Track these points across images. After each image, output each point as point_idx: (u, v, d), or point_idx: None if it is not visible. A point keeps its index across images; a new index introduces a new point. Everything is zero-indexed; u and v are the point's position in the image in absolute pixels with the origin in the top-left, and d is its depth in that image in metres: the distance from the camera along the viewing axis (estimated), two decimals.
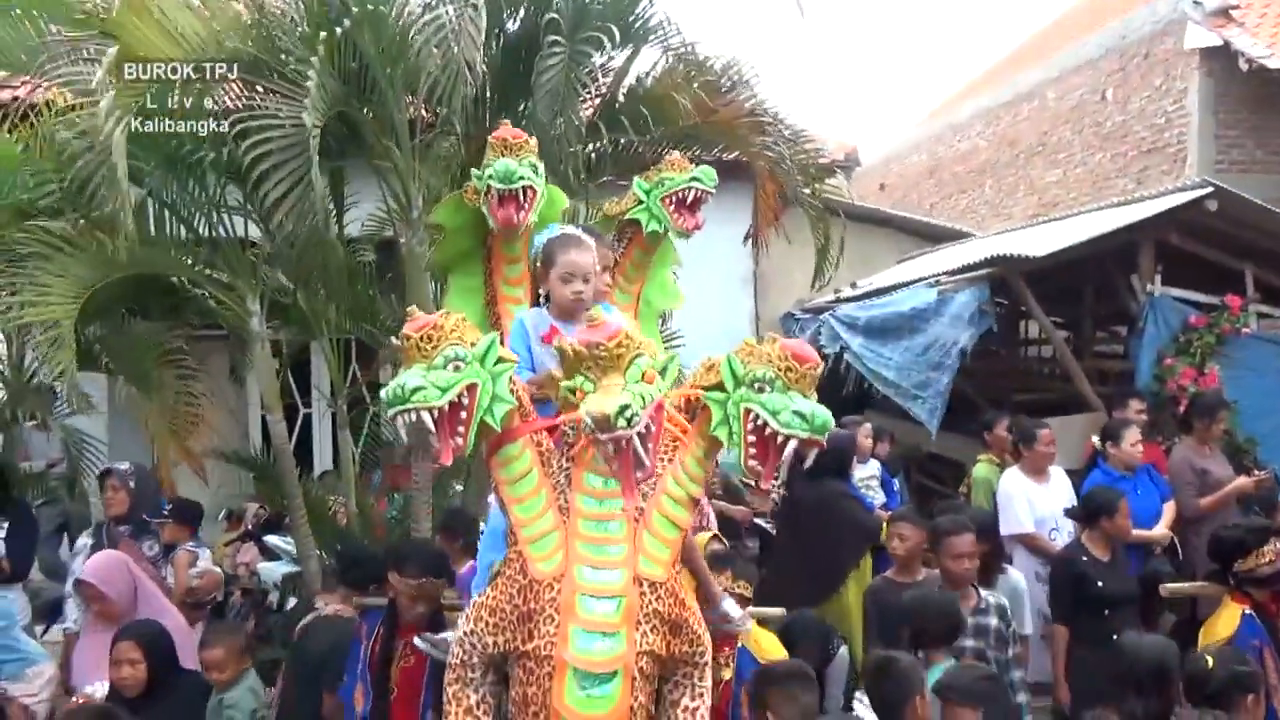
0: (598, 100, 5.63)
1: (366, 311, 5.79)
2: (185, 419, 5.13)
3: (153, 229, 5.07)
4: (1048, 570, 4.83)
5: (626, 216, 3.59)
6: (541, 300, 3.12)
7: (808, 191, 6.05)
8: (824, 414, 2.33)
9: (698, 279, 9.17)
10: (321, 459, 8.47)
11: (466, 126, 4.86)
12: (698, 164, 3.66)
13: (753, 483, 2.61)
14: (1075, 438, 6.26)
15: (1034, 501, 5.25)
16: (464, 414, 2.34)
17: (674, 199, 3.48)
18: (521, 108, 5.16)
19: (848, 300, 8.56)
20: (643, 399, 2.14)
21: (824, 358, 7.90)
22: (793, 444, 2.33)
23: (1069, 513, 4.98)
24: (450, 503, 5.60)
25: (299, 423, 8.54)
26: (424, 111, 5.06)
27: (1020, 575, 4.65)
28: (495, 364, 2.43)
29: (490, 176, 3.21)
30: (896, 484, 6.62)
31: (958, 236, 10.62)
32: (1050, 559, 4.91)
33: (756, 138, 5.71)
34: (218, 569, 5.72)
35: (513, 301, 3.49)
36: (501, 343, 3.06)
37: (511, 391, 2.46)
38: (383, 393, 2.31)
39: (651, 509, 2.52)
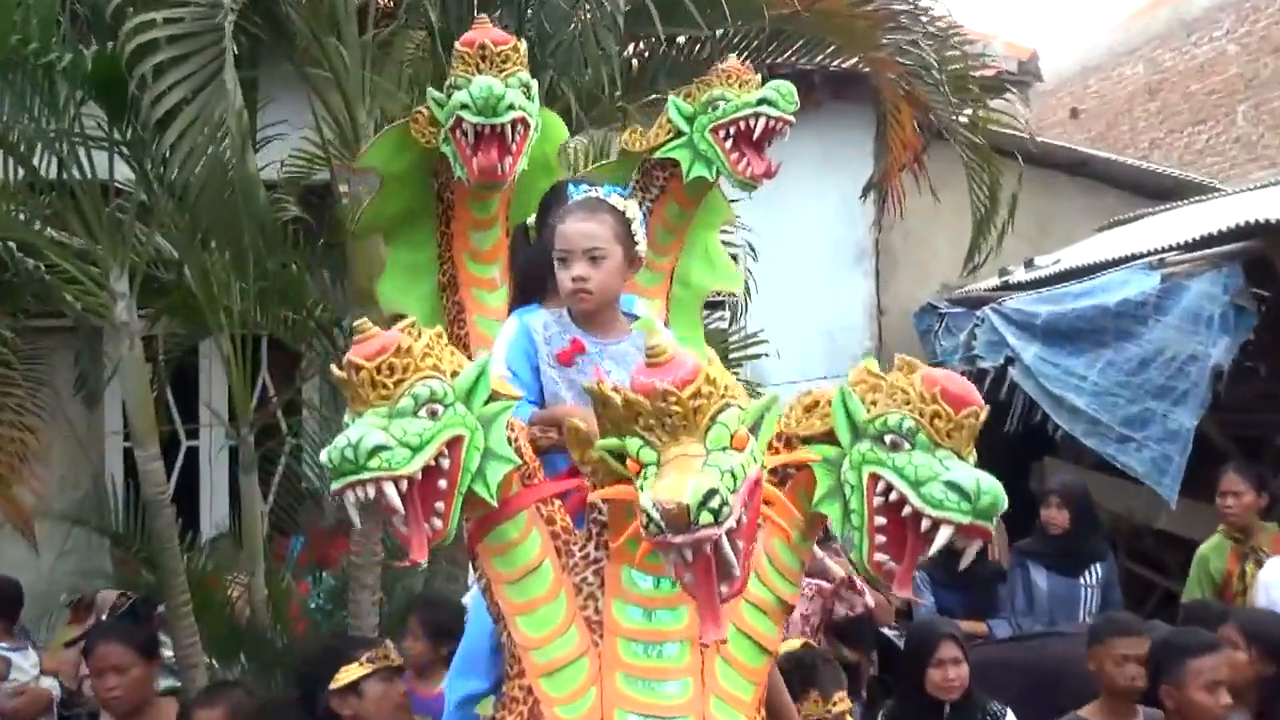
0: None
1: (286, 293, 5.86)
2: (9, 451, 5.21)
3: None
4: None
5: (657, 155, 3.61)
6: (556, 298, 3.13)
7: (963, 119, 6.04)
8: (993, 488, 2.29)
9: (790, 251, 9.28)
10: (214, 516, 8.55)
11: (443, 18, 4.93)
12: (783, 76, 3.66)
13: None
14: None
15: None
16: (443, 482, 2.34)
17: (731, 130, 3.48)
18: None
19: (1020, 287, 8.50)
20: (734, 478, 2.08)
21: (982, 373, 8.07)
22: (945, 532, 2.31)
23: None
24: (412, 585, 5.65)
25: (180, 460, 8.64)
26: None
27: None
28: (487, 403, 2.43)
29: (462, 104, 3.23)
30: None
31: (1193, 191, 10.51)
32: None
33: (884, 35, 5.73)
34: (49, 681, 5.79)
35: (483, 285, 3.55)
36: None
37: (512, 442, 2.47)
38: (324, 455, 2.25)
39: (726, 624, 2.48)
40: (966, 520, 2.28)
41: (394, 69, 5.21)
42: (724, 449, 2.14)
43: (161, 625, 5.74)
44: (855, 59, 6.08)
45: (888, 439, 2.37)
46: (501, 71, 3.28)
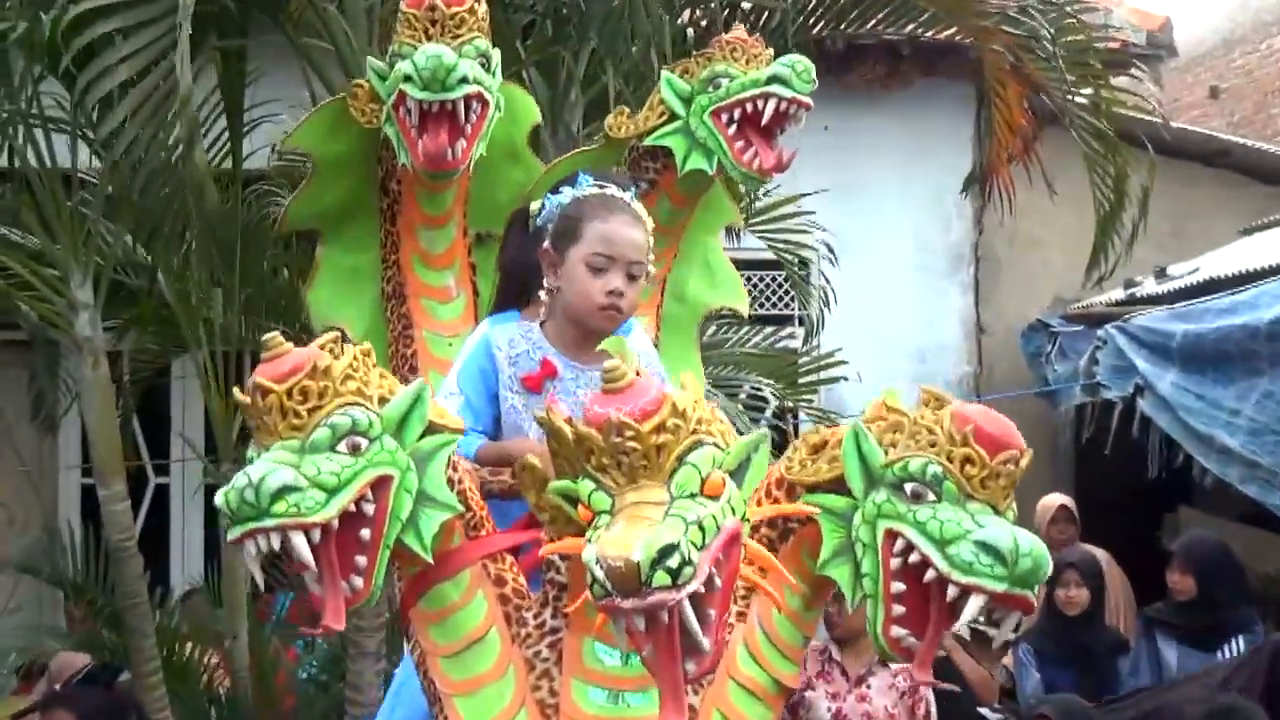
0: None
1: (276, 303, 5.88)
2: None
3: None
4: None
5: (647, 142, 3.59)
6: (542, 304, 3.06)
7: (1082, 100, 6.03)
8: (1035, 549, 2.24)
9: (874, 256, 9.24)
10: (188, 566, 8.61)
11: None
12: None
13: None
14: None
15: None
16: (365, 531, 2.29)
17: (735, 114, 3.47)
18: None
19: (1148, 301, 8.44)
20: (701, 531, 2.04)
21: (1108, 405, 8.00)
22: (976, 603, 2.25)
23: None
24: None
25: (147, 500, 8.70)
26: None
27: None
28: (423, 437, 2.39)
29: (405, 76, 3.23)
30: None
31: None
32: None
33: (987, 1, 5.74)
34: None
35: (435, 295, 3.54)
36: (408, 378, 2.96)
37: (453, 484, 2.45)
38: (218, 497, 2.20)
39: (709, 709, 2.50)
40: (1001, 588, 2.22)
41: None
42: (692, 496, 2.09)
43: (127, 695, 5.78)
44: (951, 30, 6.06)
45: (908, 488, 2.32)
46: (455, 38, 3.26)
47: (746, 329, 7.26)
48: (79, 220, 5.36)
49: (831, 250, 7.15)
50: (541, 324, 3.00)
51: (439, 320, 3.53)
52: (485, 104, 3.27)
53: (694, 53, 3.77)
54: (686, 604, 1.99)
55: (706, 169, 3.51)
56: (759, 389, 6.84)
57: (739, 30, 3.61)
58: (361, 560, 2.27)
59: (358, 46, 4.97)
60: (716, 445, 2.15)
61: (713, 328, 6.28)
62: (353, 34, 4.99)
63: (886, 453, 2.37)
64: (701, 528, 2.02)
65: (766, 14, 5.69)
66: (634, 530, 2.00)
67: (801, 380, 7.21)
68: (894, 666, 5.12)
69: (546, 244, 2.96)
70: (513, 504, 2.70)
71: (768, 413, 7.06)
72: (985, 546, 2.21)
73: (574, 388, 2.87)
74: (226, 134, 5.73)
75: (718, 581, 2.06)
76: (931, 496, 2.30)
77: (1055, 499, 7.47)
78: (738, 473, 2.19)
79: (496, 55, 3.38)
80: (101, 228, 5.47)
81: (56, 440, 8.26)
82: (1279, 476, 6.75)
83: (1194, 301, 7.83)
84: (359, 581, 2.27)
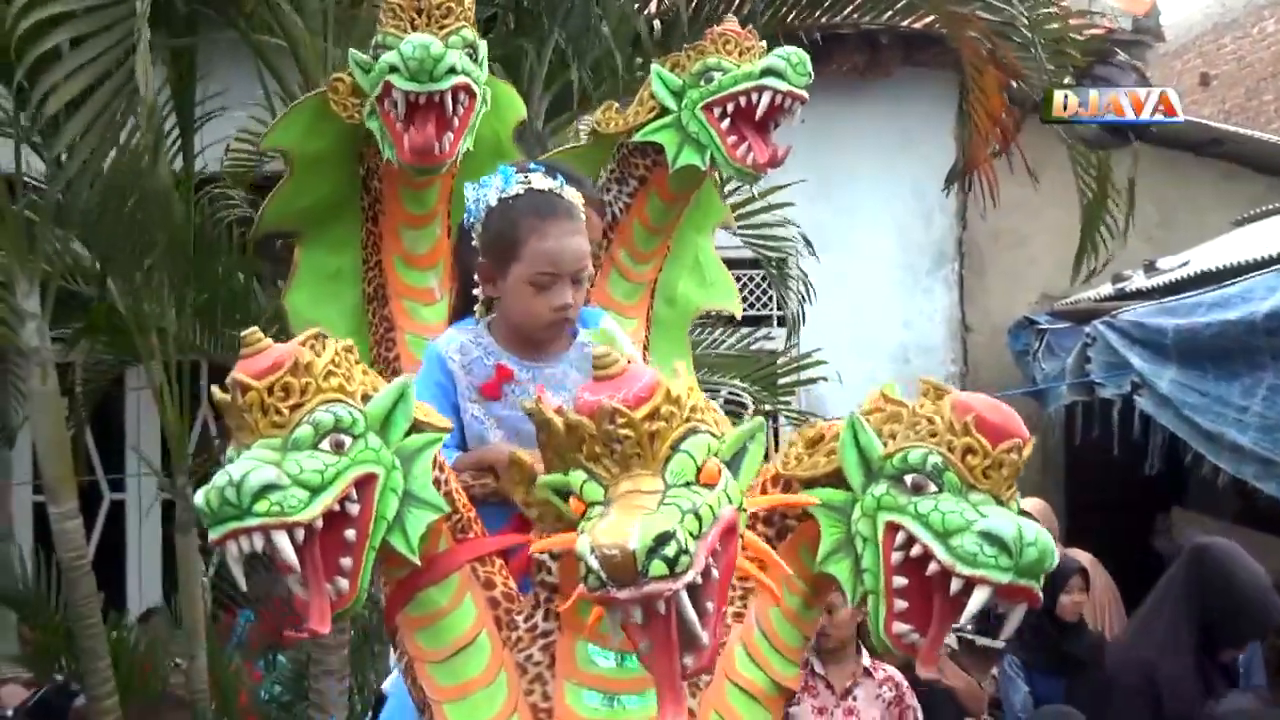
0: None
1: (232, 309, 5.88)
2: None
3: None
4: None
5: (637, 138, 3.60)
6: (480, 309, 3.04)
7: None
8: (1039, 538, 2.26)
9: (855, 253, 9.26)
10: (144, 586, 8.60)
11: None
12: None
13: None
14: None
15: None
16: (350, 532, 2.29)
17: (728, 108, 3.47)
18: None
19: (1138, 296, 8.47)
20: (698, 520, 2.05)
21: (1105, 404, 8.00)
22: (981, 595, 2.26)
23: None
24: (388, 670, 5.63)
25: (102, 516, 8.69)
26: None
27: None
28: (408, 435, 2.39)
29: (390, 67, 3.23)
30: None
31: None
32: None
33: None
34: None
35: (418, 297, 3.54)
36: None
37: (440, 484, 2.45)
38: (198, 496, 2.18)
39: (707, 711, 2.51)
40: (1006, 580, 2.23)
41: (363, 34, 5.22)
42: (688, 484, 2.10)
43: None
44: (930, 19, 6.06)
45: (908, 480, 2.34)
46: (442, 28, 3.27)
47: (722, 330, 7.27)
48: (24, 227, 5.34)
49: (809, 243, 7.15)
50: (489, 325, 2.98)
51: (421, 322, 3.52)
52: (473, 96, 3.28)
53: (659, 47, 3.78)
54: (684, 595, 1.99)
55: (699, 165, 3.50)
56: (737, 393, 6.84)
57: (731, 22, 3.59)
58: (346, 562, 2.27)
59: (309, 45, 4.97)
60: (712, 433, 2.16)
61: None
62: (307, 31, 4.99)
63: (885, 444, 2.39)
64: (698, 516, 2.03)
65: (737, 4, 5.70)
66: (629, 518, 2.00)
67: (780, 382, 7.22)
68: (878, 677, 5.14)
69: (482, 259, 2.94)
70: (495, 510, 2.71)
71: (747, 415, 7.06)
72: (989, 537, 2.23)
73: (531, 388, 2.84)
74: (177, 134, 5.72)
75: (715, 573, 2.07)
76: (933, 488, 2.31)
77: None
78: (734, 462, 2.20)
79: (483, 46, 3.38)
80: (49, 234, 5.45)
81: (8, 456, 8.21)
82: None
83: (1182, 296, 7.86)
84: (344, 584, 2.27)
